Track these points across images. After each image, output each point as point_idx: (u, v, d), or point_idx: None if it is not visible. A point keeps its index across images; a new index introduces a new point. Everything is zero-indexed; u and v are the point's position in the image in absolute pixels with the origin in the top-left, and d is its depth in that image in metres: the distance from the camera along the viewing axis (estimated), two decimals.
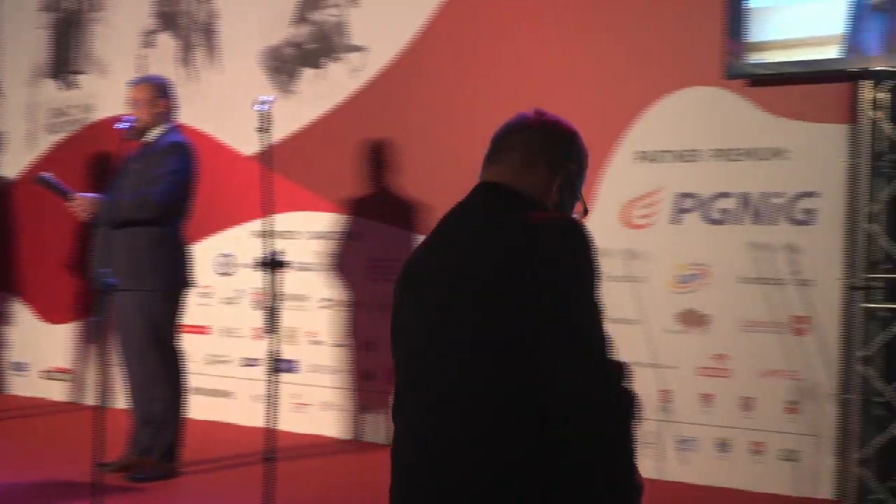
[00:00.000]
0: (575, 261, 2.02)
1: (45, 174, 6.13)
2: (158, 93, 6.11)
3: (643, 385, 6.21)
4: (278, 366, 4.77)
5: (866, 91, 5.37)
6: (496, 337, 1.94)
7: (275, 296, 4.73)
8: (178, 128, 6.21)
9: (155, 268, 5.92)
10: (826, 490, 5.71)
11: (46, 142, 8.93)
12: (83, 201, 5.95)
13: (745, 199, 5.97)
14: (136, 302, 5.87)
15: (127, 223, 5.83)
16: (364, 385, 7.24)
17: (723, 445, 5.99)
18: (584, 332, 1.96)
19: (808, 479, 5.75)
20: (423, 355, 2.05)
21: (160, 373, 5.98)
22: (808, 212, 5.80)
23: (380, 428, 7.13)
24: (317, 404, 7.40)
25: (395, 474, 2.18)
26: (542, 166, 2.29)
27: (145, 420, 6.00)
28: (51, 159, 8.78)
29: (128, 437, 6.05)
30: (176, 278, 6.04)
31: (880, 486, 5.25)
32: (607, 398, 1.92)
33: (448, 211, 2.32)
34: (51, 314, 8.82)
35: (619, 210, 6.33)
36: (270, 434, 4.65)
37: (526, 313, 1.93)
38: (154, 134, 6.05)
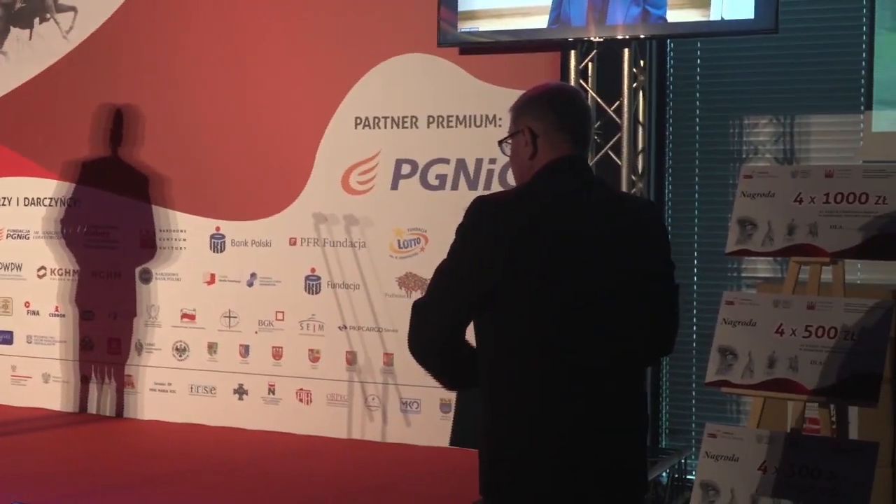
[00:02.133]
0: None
1: None
2: None
3: (367, 349, 6.36)
4: None
5: (573, 61, 5.60)
6: (640, 280, 2.54)
7: None
8: None
9: None
10: None
11: None
12: None
13: (460, 166, 6.17)
14: None
15: None
16: (85, 356, 7.07)
17: (447, 407, 6.10)
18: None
19: None
20: (598, 298, 2.50)
21: None
22: None
23: (105, 398, 7.00)
24: (37, 376, 7.19)
25: (566, 388, 2.49)
26: None
27: None
28: None
29: None
30: None
31: None
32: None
33: (559, 180, 2.58)
34: None
35: (340, 176, 6.40)
36: None
37: (653, 268, 2.60)
38: None
